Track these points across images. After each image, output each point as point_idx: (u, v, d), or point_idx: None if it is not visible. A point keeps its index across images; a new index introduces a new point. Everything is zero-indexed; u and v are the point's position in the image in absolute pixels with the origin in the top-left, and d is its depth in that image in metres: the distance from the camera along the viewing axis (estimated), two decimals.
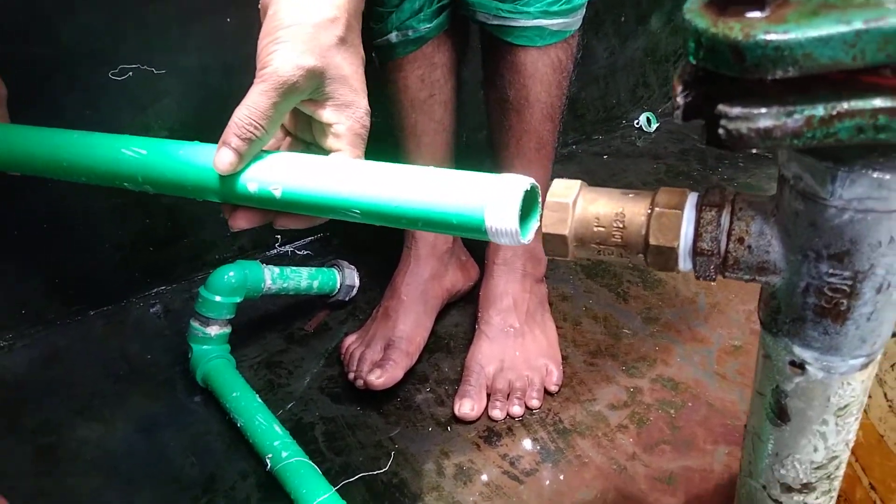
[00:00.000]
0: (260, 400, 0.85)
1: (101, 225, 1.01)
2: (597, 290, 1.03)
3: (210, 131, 1.05)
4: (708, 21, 0.27)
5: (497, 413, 0.85)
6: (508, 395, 0.87)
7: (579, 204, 0.42)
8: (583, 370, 0.91)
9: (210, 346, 0.91)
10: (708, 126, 0.29)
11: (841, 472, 0.46)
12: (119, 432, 0.87)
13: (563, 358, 0.91)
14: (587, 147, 1.35)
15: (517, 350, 0.89)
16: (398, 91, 0.89)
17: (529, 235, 0.43)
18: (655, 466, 0.79)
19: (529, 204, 0.43)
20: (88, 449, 0.84)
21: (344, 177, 0.46)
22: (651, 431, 0.82)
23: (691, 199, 0.40)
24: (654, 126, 1.38)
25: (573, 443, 0.82)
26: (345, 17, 0.49)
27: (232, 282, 0.90)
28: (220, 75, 0.98)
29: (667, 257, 0.40)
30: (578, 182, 0.43)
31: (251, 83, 0.47)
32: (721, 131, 0.28)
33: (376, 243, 1.06)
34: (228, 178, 0.49)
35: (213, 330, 0.90)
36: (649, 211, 0.40)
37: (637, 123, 1.38)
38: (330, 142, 0.51)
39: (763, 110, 0.28)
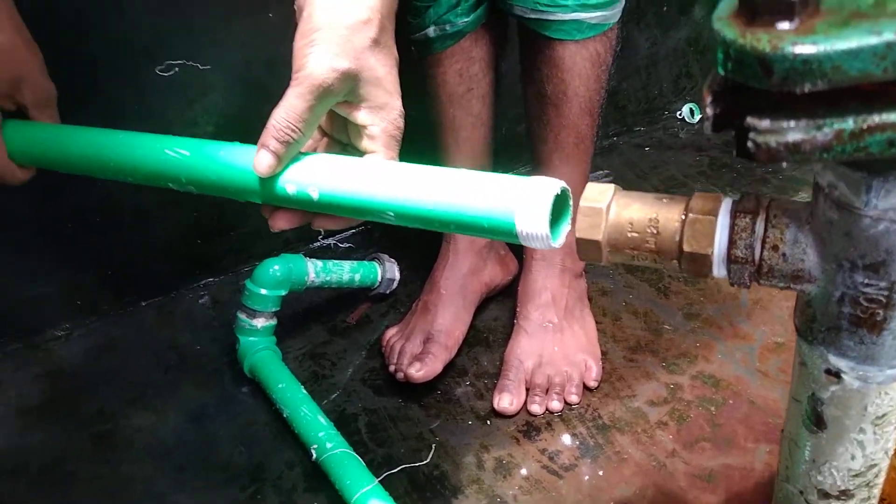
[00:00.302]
0: (305, 391, 0.87)
1: (151, 218, 1.04)
2: (637, 285, 1.02)
3: (254, 125, 1.08)
4: (736, 32, 0.27)
5: (536, 408, 0.86)
6: (547, 390, 0.87)
7: (613, 209, 0.42)
8: (622, 366, 0.91)
9: (256, 338, 0.93)
10: (737, 137, 0.29)
11: (881, 480, 0.46)
12: (170, 421, 0.90)
13: (603, 353, 0.91)
14: (629, 139, 1.33)
15: (556, 345, 0.89)
16: (436, 86, 0.90)
17: (560, 239, 0.43)
18: (695, 464, 0.78)
19: (560, 207, 0.43)
20: (142, 437, 0.88)
21: (378, 179, 0.47)
22: (691, 428, 0.82)
23: (725, 204, 0.40)
24: (698, 117, 1.35)
25: (612, 439, 0.82)
26: (378, 19, 0.50)
27: (277, 275, 0.92)
28: (263, 69, 1.00)
29: (700, 264, 0.40)
30: (612, 186, 0.43)
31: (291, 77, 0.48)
32: (750, 144, 0.28)
33: (416, 237, 1.06)
34: (268, 180, 0.50)
35: (260, 322, 0.93)
36: (683, 217, 0.40)
37: (680, 115, 1.36)
38: (365, 143, 0.52)
39: (792, 124, 0.27)
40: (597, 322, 0.95)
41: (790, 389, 0.46)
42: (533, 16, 0.82)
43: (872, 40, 0.25)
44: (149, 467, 0.84)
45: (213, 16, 0.95)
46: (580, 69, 0.84)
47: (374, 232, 1.17)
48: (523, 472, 0.80)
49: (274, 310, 0.94)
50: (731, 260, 0.39)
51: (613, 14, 0.83)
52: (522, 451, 0.82)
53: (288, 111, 0.48)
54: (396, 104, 0.52)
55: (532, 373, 0.88)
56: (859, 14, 0.26)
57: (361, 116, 0.51)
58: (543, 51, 0.84)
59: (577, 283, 0.95)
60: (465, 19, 0.85)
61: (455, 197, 0.44)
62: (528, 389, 0.88)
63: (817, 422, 0.43)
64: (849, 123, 0.27)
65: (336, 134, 0.56)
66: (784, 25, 0.26)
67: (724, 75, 0.29)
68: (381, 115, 0.51)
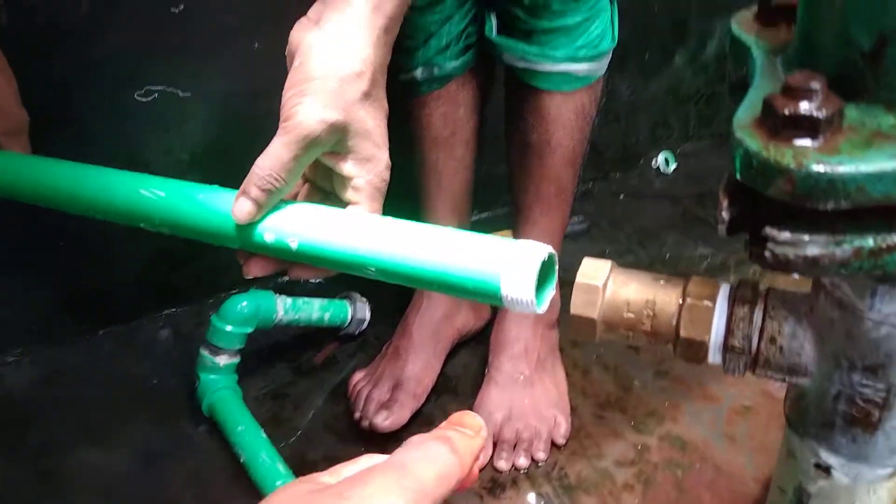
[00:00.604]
0: (265, 435, 0.84)
1: (115, 243, 1.00)
2: (608, 339, 1.02)
3: (232, 156, 1.05)
4: (759, 143, 0.26)
5: (503, 464, 0.84)
6: (515, 446, 0.85)
7: (609, 287, 0.41)
8: (591, 423, 0.90)
9: (218, 376, 0.90)
10: (752, 241, 0.29)
11: None
12: (121, 458, 0.86)
13: (572, 409, 0.90)
14: (604, 185, 1.34)
15: (526, 398, 0.88)
16: (421, 128, 0.89)
17: (544, 305, 0.41)
18: None
19: (546, 272, 0.42)
20: (89, 473, 0.84)
21: (361, 233, 0.46)
22: (657, 493, 0.81)
23: (723, 291, 0.39)
24: (672, 167, 1.36)
25: (578, 500, 0.81)
26: (370, 71, 0.49)
27: (244, 312, 0.89)
28: (246, 101, 0.98)
29: (696, 350, 0.39)
30: (609, 263, 0.43)
31: (277, 110, 0.48)
32: (767, 254, 0.27)
33: None
34: (246, 227, 0.48)
35: (223, 360, 0.90)
36: (681, 301, 0.40)
37: (655, 164, 1.37)
38: (349, 195, 0.51)
39: (812, 238, 0.27)
40: (567, 375, 0.94)
41: (774, 477, 0.46)
42: (522, 65, 0.82)
43: None
44: None
45: (197, 42, 0.93)
46: (565, 120, 0.84)
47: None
48: None
49: (238, 347, 0.91)
50: (727, 349, 0.38)
51: (601, 67, 0.84)
52: None
53: (272, 160, 0.46)
54: (384, 157, 0.51)
55: (501, 426, 0.86)
56: (882, 135, 0.26)
57: (347, 168, 0.50)
58: (530, 100, 0.84)
59: (550, 335, 0.94)
60: (454, 63, 0.84)
61: (440, 256, 0.43)
62: (495, 444, 0.86)
63: None
64: (868, 242, 0.27)
65: (319, 181, 0.54)
66: (808, 142, 0.26)
67: (741, 181, 0.28)
68: (368, 168, 0.50)
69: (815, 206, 0.25)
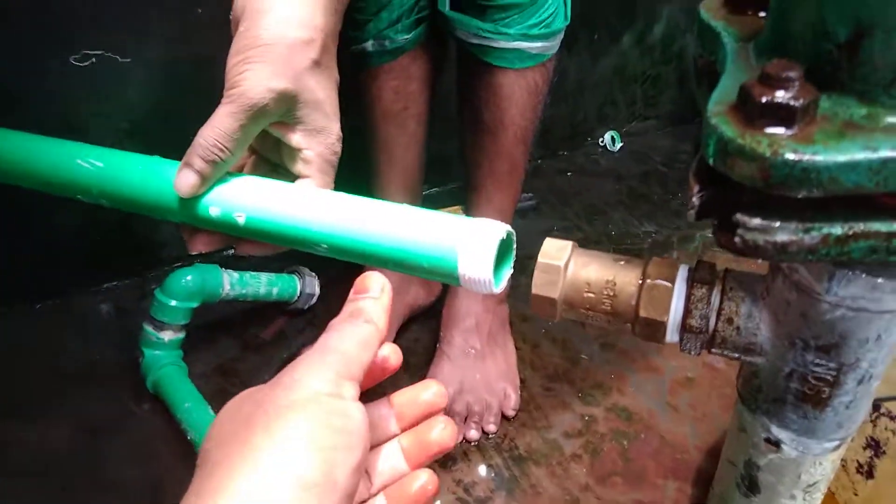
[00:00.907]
0: (213, 412, 0.82)
1: (52, 212, 0.96)
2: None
3: (175, 126, 1.01)
4: (735, 130, 0.27)
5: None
6: (466, 419, 0.86)
7: (571, 267, 0.42)
8: (540, 395, 0.91)
9: (162, 352, 0.88)
10: (720, 227, 0.29)
11: None
12: (59, 435, 0.83)
13: (521, 381, 0.91)
14: (552, 163, 1.35)
15: (477, 372, 0.89)
16: (371, 101, 0.88)
17: (502, 285, 0.41)
18: (607, 499, 0.79)
19: (504, 251, 0.41)
20: (25, 451, 0.81)
21: (313, 208, 0.44)
22: (604, 462, 0.83)
23: (682, 272, 0.40)
24: (618, 146, 1.39)
25: (528, 471, 0.82)
26: (321, 39, 0.46)
27: (189, 286, 0.87)
28: (188, 67, 0.94)
29: (654, 330, 0.40)
30: (570, 244, 0.43)
31: (222, 78, 0.45)
32: (737, 239, 0.28)
33: None
34: (189, 201, 0.46)
35: (167, 335, 0.87)
36: (640, 281, 0.40)
37: (602, 142, 1.39)
38: (299, 167, 0.48)
39: (781, 225, 0.27)
40: (517, 348, 0.95)
41: (724, 451, 0.47)
42: (475, 41, 0.81)
43: (870, 155, 0.25)
44: (29, 483, 0.78)
45: (138, 6, 0.89)
46: (518, 98, 0.84)
47: None
48: (437, 503, 0.79)
49: (183, 322, 0.88)
50: (685, 329, 0.39)
51: (553, 45, 0.84)
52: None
53: (217, 130, 0.44)
54: (335, 128, 0.49)
55: (452, 400, 0.87)
56: (853, 125, 0.26)
57: (297, 139, 0.47)
58: (483, 77, 0.84)
59: (501, 309, 0.95)
60: (405, 36, 0.83)
61: (395, 233, 0.41)
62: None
63: (751, 486, 0.44)
64: (836, 229, 0.27)
65: (267, 153, 0.52)
66: (783, 131, 0.26)
67: (713, 167, 0.28)
68: (319, 139, 0.48)
69: (788, 194, 0.26)
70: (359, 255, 0.43)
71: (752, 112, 0.26)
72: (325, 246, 0.43)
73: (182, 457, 0.81)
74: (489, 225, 0.39)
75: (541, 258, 0.42)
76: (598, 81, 1.33)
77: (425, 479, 0.36)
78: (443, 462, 0.83)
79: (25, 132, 0.55)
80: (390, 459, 0.37)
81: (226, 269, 0.92)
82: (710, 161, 0.28)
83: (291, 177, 0.50)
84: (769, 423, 0.41)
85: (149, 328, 0.87)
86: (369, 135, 0.90)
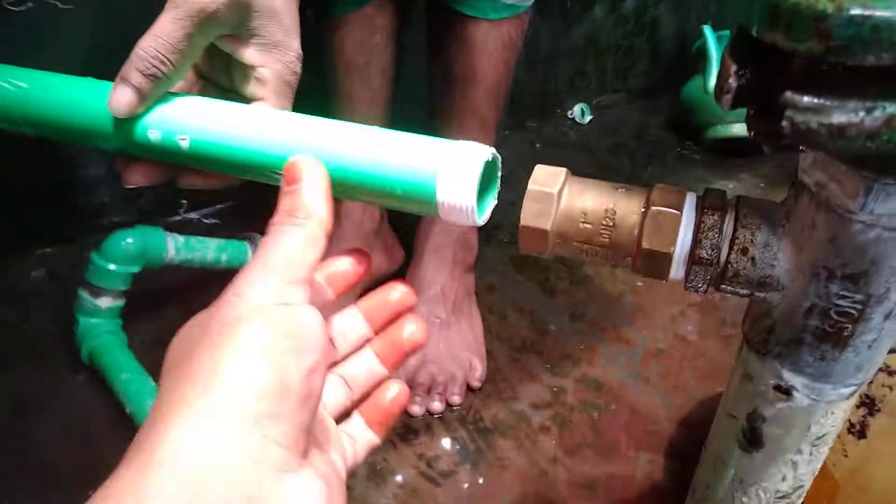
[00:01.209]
0: (154, 383, 0.76)
1: None
2: (523, 283, 0.99)
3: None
4: None
5: (416, 409, 0.80)
6: (429, 390, 0.81)
7: (565, 195, 0.37)
8: (507, 366, 0.87)
9: (99, 320, 0.81)
10: (760, 115, 0.25)
11: (801, 501, 0.44)
12: None
13: (488, 352, 0.87)
14: (520, 134, 1.31)
15: (441, 342, 0.84)
16: (334, 53, 0.82)
17: (486, 215, 0.36)
18: (577, 471, 0.76)
19: (487, 178, 0.36)
20: None
21: (267, 129, 0.38)
22: (573, 434, 0.79)
23: (690, 199, 0.36)
24: (588, 118, 1.35)
25: (494, 443, 0.78)
26: None
27: (130, 249, 0.80)
28: (133, 9, 0.87)
29: (658, 263, 0.36)
30: (563, 170, 0.38)
31: None
32: (785, 123, 0.23)
33: None
34: (125, 122, 0.40)
35: (105, 302, 0.80)
36: (644, 210, 0.36)
37: (571, 114, 1.35)
38: (252, 88, 0.43)
39: (839, 103, 0.23)
40: (483, 319, 0.90)
41: (722, 404, 0.43)
42: None
43: None
44: None
45: None
46: (492, 50, 0.80)
47: (245, 208, 1.06)
48: (398, 478, 0.74)
49: (123, 289, 0.82)
50: (693, 261, 0.35)
51: None
52: (398, 456, 0.76)
53: (159, 39, 0.38)
54: (294, 45, 0.43)
55: (414, 371, 0.82)
56: None
57: (250, 55, 0.42)
58: (454, 28, 0.79)
59: (467, 278, 0.90)
60: None
61: (364, 154, 0.36)
62: (408, 388, 0.82)
63: (754, 440, 0.40)
64: None
65: (216, 76, 0.46)
66: None
67: (755, 40, 0.24)
68: (275, 56, 0.43)
69: (852, 63, 0.22)
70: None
71: None
72: (281, 172, 0.37)
73: (119, 432, 0.74)
74: (471, 146, 0.34)
75: (531, 185, 0.37)
76: (569, 51, 1.29)
77: (397, 390, 0.36)
78: (404, 435, 0.78)
79: None
80: (365, 363, 0.36)
81: (170, 233, 0.85)
82: (755, 30, 0.23)
83: (245, 101, 0.44)
84: (780, 367, 0.37)
85: (84, 294, 0.80)
86: (331, 89, 0.85)
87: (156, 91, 0.39)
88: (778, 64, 0.24)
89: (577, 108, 1.34)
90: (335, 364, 0.37)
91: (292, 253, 0.29)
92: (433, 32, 0.84)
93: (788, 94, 0.23)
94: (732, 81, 0.25)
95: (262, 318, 0.26)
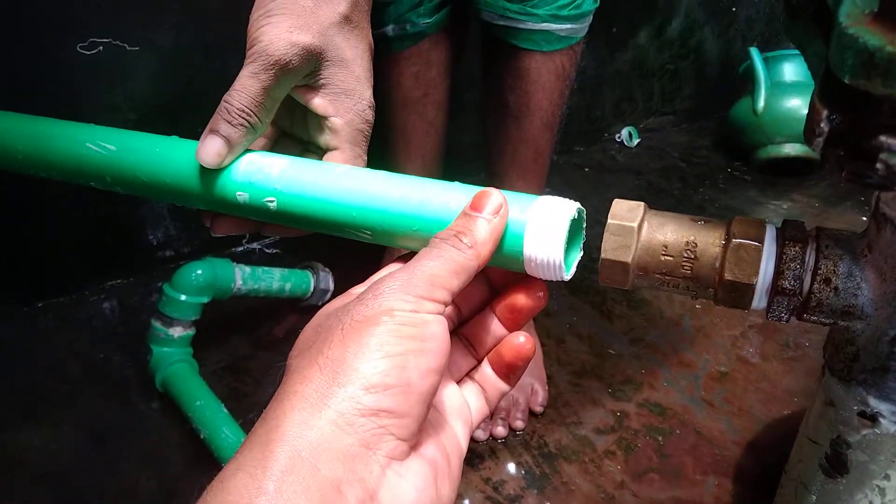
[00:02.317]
0: (226, 410, 0.78)
1: (55, 208, 0.92)
2: (580, 307, 1.00)
3: (185, 116, 0.98)
4: (882, 39, 0.23)
5: (480, 433, 0.81)
6: (492, 415, 0.82)
7: (645, 229, 0.38)
8: (568, 391, 0.88)
9: (172, 349, 0.84)
10: (853, 155, 0.26)
11: None
12: (67, 438, 0.79)
13: (548, 378, 0.88)
14: (569, 158, 1.32)
15: None
16: (391, 88, 0.85)
17: (572, 270, 0.36)
18: (644, 496, 0.76)
19: (574, 233, 0.36)
20: (32, 455, 0.77)
21: (350, 190, 0.38)
22: (639, 459, 0.80)
23: (770, 231, 0.37)
24: (636, 141, 1.36)
25: (559, 468, 0.78)
26: None
27: (200, 280, 0.83)
28: (199, 55, 0.91)
29: (741, 294, 0.37)
30: (642, 204, 0.40)
31: (236, 65, 0.41)
32: (880, 166, 0.25)
33: (353, 244, 1.00)
34: (213, 184, 0.41)
35: (177, 331, 0.83)
36: (724, 241, 0.37)
37: (619, 138, 1.36)
38: (326, 138, 0.44)
39: None
40: (541, 344, 0.91)
41: (803, 429, 0.44)
42: (501, 23, 0.78)
43: None
44: (41, 490, 0.73)
45: None
46: (545, 82, 0.81)
47: (305, 237, 1.09)
48: (465, 502, 0.75)
49: (193, 318, 0.85)
50: (776, 291, 0.36)
51: (582, 28, 0.81)
52: (465, 481, 0.77)
53: (241, 93, 0.40)
54: (366, 94, 0.44)
55: None
56: None
57: (322, 105, 0.43)
58: (509, 60, 0.81)
59: None
60: (427, 20, 0.80)
61: (452, 208, 0.35)
62: None
63: (838, 466, 0.41)
64: None
65: (294, 129, 0.47)
66: None
67: (846, 86, 0.25)
68: (347, 105, 0.43)
69: None
70: (407, 237, 0.37)
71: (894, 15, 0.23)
72: (370, 233, 0.38)
73: (195, 458, 0.77)
74: (558, 202, 0.34)
75: (611, 220, 0.38)
76: (615, 76, 1.30)
77: (522, 339, 0.36)
78: (469, 460, 0.79)
79: (31, 115, 0.50)
80: (489, 325, 0.37)
81: (237, 263, 0.88)
82: (847, 78, 0.25)
83: (321, 152, 0.45)
84: (866, 394, 0.37)
85: (157, 324, 0.83)
86: (388, 122, 0.87)
87: (242, 143, 0.41)
88: (869, 108, 0.25)
89: (624, 132, 1.35)
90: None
91: (440, 273, 0.30)
92: (488, 65, 0.86)
93: (882, 137, 0.25)
94: (824, 126, 0.26)
95: (388, 320, 0.28)
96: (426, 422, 0.31)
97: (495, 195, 0.33)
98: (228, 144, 0.40)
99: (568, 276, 0.35)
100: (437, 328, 0.29)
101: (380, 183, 0.38)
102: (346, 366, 0.28)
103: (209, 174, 0.41)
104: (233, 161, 0.41)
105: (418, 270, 0.30)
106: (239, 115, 0.40)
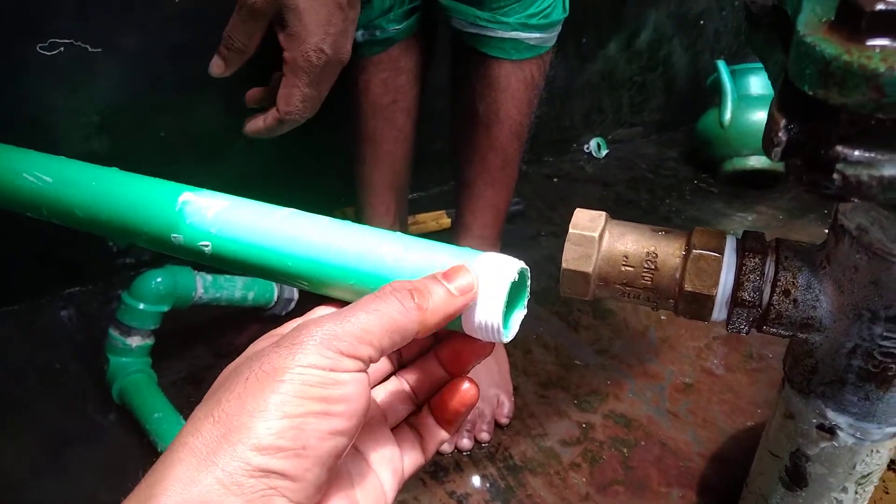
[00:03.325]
0: (185, 422, 0.76)
1: (11, 213, 0.89)
2: (547, 318, 1.00)
3: (149, 121, 0.96)
4: (838, 48, 0.23)
5: (445, 446, 0.80)
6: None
7: (606, 239, 0.38)
8: (534, 402, 0.87)
9: (130, 359, 0.82)
10: (809, 167, 0.26)
11: None
12: (23, 450, 0.76)
13: (514, 388, 0.87)
14: (538, 168, 1.32)
15: None
16: (359, 94, 0.84)
17: (512, 332, 0.33)
18: None
19: (516, 293, 0.33)
20: None
21: (289, 237, 0.36)
22: (604, 471, 0.79)
23: (730, 242, 0.37)
24: (604, 152, 1.37)
25: (524, 480, 0.78)
26: None
27: (160, 289, 0.81)
28: (163, 59, 0.89)
29: (701, 305, 0.36)
30: (603, 214, 0.39)
31: (201, 68, 0.60)
32: (836, 177, 0.24)
33: None
34: (150, 224, 0.39)
35: (135, 341, 0.81)
36: (685, 252, 0.37)
37: (587, 148, 1.37)
38: (283, 66, 0.58)
39: (889, 157, 0.24)
40: (507, 354, 0.91)
41: (763, 442, 0.44)
42: (472, 30, 0.78)
43: None
44: None
45: None
46: (514, 90, 0.81)
47: None
48: None
49: (153, 327, 0.83)
50: (735, 303, 0.36)
51: (551, 37, 0.81)
52: (429, 494, 0.76)
53: (230, 25, 0.58)
54: (312, 39, 0.56)
55: None
56: None
57: (281, 39, 0.57)
58: (478, 68, 0.81)
59: None
60: (397, 27, 0.80)
61: (386, 266, 0.33)
62: None
63: (797, 479, 0.40)
64: None
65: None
66: (886, 43, 0.23)
67: (805, 95, 0.25)
68: (294, 44, 0.57)
69: None
70: (343, 289, 0.35)
71: (857, 26, 0.23)
72: (305, 282, 0.36)
73: None
74: (500, 261, 0.32)
75: (572, 230, 0.38)
76: (585, 86, 1.31)
77: (466, 385, 0.35)
78: (434, 473, 0.78)
79: None
80: (431, 370, 0.35)
81: (199, 271, 0.86)
82: (806, 87, 0.24)
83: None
84: (824, 407, 0.37)
85: (115, 333, 0.81)
86: (356, 129, 0.86)
87: (234, 59, 0.59)
88: (827, 118, 0.24)
89: (593, 143, 1.36)
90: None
91: (372, 329, 0.28)
92: (457, 72, 0.85)
93: (839, 147, 0.24)
94: (782, 135, 0.26)
95: (296, 378, 0.26)
96: (345, 471, 0.30)
97: (470, 276, 0.31)
98: (225, 60, 0.59)
99: (508, 339, 0.33)
100: (352, 389, 0.27)
101: (320, 231, 0.36)
102: (240, 422, 0.26)
103: (145, 213, 0.39)
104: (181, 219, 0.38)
105: (347, 322, 0.28)
106: (227, 39, 0.58)
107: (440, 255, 0.33)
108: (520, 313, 0.34)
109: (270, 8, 0.56)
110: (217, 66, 0.59)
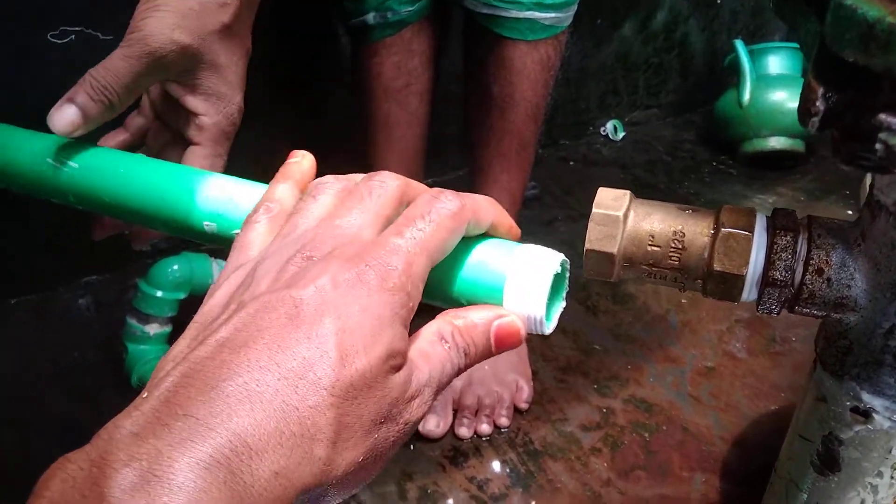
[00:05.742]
0: None
1: (27, 202, 0.89)
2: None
3: None
4: (882, 9, 0.22)
5: (464, 431, 0.79)
6: (476, 412, 0.81)
7: (631, 218, 0.37)
8: (553, 387, 0.86)
9: (148, 346, 0.82)
10: (850, 136, 0.24)
11: None
12: (39, 441, 0.76)
13: (533, 373, 0.86)
14: (554, 151, 1.31)
15: (487, 364, 0.83)
16: (371, 78, 0.83)
17: (553, 323, 0.32)
18: (631, 494, 0.74)
19: (556, 285, 0.32)
20: (3, 457, 0.74)
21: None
22: (625, 456, 0.78)
23: (760, 220, 0.36)
24: (621, 135, 1.35)
25: (544, 466, 0.77)
26: (236, 4, 0.45)
27: (176, 276, 0.81)
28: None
29: (731, 286, 0.35)
30: (627, 192, 0.38)
31: None
32: (878, 146, 0.23)
33: None
34: (180, 211, 0.39)
35: (153, 328, 0.81)
36: (713, 231, 0.36)
37: (604, 131, 1.35)
38: (191, 133, 0.46)
39: None
40: (526, 340, 0.90)
41: (794, 426, 0.42)
42: (485, 11, 0.77)
43: None
44: (10, 496, 0.71)
45: None
46: (530, 72, 0.80)
47: None
48: (450, 502, 0.73)
49: (170, 315, 0.83)
50: (766, 283, 0.35)
51: (567, 17, 0.79)
52: (449, 480, 0.75)
53: (110, 72, 0.41)
54: (236, 98, 0.47)
55: (461, 393, 0.82)
56: None
57: (194, 103, 0.46)
58: (493, 49, 0.79)
59: None
60: (409, 8, 0.78)
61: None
62: (455, 411, 0.81)
63: (830, 464, 0.39)
64: None
65: (168, 117, 0.49)
66: None
67: (844, 62, 0.24)
68: (218, 107, 0.46)
69: None
70: None
71: None
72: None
73: None
74: (541, 253, 0.31)
75: (596, 209, 0.37)
76: (600, 68, 1.29)
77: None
78: (454, 458, 0.77)
79: None
80: None
81: (215, 258, 0.86)
82: (845, 52, 0.23)
83: (186, 146, 0.47)
84: (859, 389, 0.36)
85: (133, 321, 0.81)
86: (368, 114, 0.85)
87: (98, 118, 0.41)
88: (868, 85, 0.23)
89: (609, 125, 1.34)
90: None
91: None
92: (471, 55, 0.84)
93: (882, 116, 0.23)
94: (820, 105, 0.25)
95: None
96: None
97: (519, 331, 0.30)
98: (84, 117, 0.41)
99: (549, 330, 0.32)
100: None
101: None
102: None
103: (175, 200, 0.38)
104: (194, 199, 0.38)
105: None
106: (102, 92, 0.41)
107: (479, 247, 0.32)
108: (560, 305, 0.33)
109: (182, 62, 0.43)
110: (68, 123, 0.40)
